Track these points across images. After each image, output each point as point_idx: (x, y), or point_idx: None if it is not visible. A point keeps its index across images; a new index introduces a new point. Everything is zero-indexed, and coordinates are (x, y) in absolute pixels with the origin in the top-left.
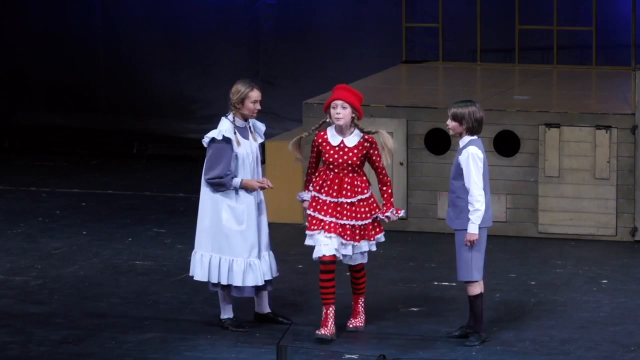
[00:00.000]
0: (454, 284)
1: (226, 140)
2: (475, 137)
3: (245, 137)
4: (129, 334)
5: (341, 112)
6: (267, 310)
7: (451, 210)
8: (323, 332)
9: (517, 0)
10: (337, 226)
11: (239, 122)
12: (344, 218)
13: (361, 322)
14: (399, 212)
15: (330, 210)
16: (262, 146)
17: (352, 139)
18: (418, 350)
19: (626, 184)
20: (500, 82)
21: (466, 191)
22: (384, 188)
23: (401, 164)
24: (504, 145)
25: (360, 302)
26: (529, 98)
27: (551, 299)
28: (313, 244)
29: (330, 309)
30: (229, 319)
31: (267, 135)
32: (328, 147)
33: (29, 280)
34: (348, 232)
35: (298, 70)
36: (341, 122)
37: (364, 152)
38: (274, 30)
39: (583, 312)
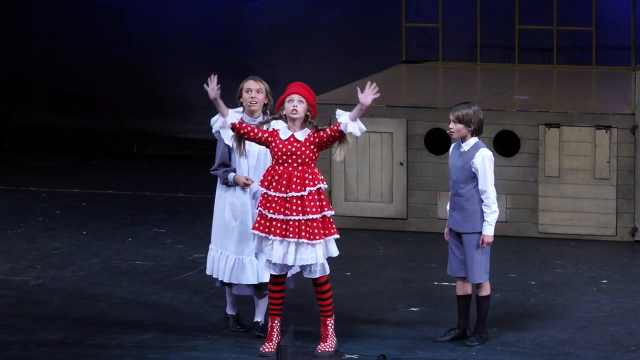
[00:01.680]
0: (454, 284)
1: (219, 132)
2: (478, 138)
3: None
4: (129, 334)
5: (298, 105)
6: (259, 318)
7: (458, 214)
8: (267, 349)
9: (517, 0)
10: (283, 225)
11: (247, 118)
12: (293, 214)
13: (331, 347)
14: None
15: (278, 207)
16: None
17: (302, 134)
18: (418, 350)
19: (626, 184)
20: (500, 82)
21: (477, 194)
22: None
23: (401, 164)
24: (504, 145)
25: (329, 324)
26: (529, 98)
27: (551, 299)
28: (261, 252)
29: (276, 321)
30: (230, 315)
31: None
32: (278, 141)
33: (29, 280)
34: (292, 229)
35: (298, 70)
36: (296, 116)
37: (315, 141)
38: (273, 30)
39: (583, 312)
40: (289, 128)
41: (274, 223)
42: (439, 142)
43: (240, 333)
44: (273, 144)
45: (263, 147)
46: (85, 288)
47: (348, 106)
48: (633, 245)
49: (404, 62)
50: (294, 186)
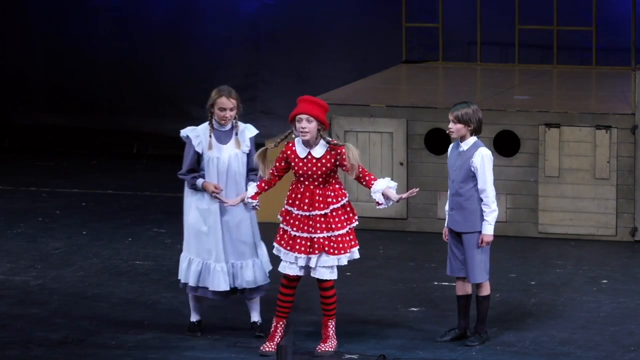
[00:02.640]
0: (454, 284)
1: (189, 138)
2: (477, 137)
3: (222, 142)
4: (129, 334)
5: (306, 126)
6: (256, 318)
7: (457, 213)
8: (267, 348)
9: (517, 0)
10: (307, 243)
11: (217, 125)
12: (317, 231)
13: (331, 347)
14: (412, 192)
15: (302, 225)
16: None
17: (319, 150)
18: (418, 350)
19: (626, 184)
20: (500, 82)
21: (476, 193)
22: (372, 181)
23: (401, 164)
24: (504, 145)
25: (331, 326)
26: (529, 98)
27: (551, 299)
28: (279, 256)
29: (281, 322)
30: (192, 322)
31: (266, 135)
32: (297, 160)
33: (29, 280)
34: (317, 245)
35: (298, 70)
36: (307, 137)
37: (332, 160)
38: (273, 30)
39: (583, 312)
40: (304, 144)
41: (298, 240)
42: (439, 142)
43: (239, 333)
44: (292, 163)
45: (233, 154)
46: (85, 288)
47: (348, 106)
48: (633, 245)
49: (404, 62)
50: (317, 204)
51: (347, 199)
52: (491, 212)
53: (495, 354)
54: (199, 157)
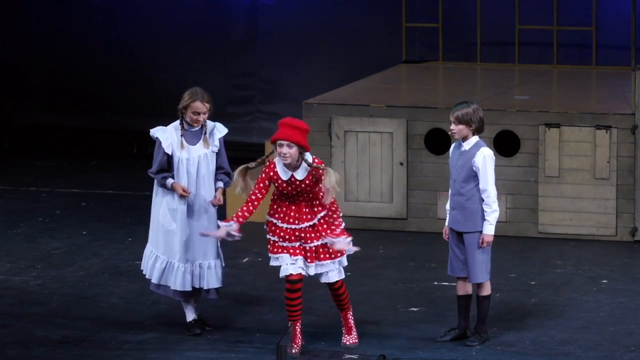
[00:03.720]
0: (454, 284)
1: (159, 139)
2: (479, 137)
3: (192, 143)
4: (129, 334)
5: (287, 151)
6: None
7: (459, 213)
8: (295, 351)
9: (517, 0)
10: (300, 248)
11: (187, 126)
12: (309, 241)
13: (355, 339)
14: (350, 246)
15: (291, 237)
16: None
17: (301, 173)
18: (418, 350)
19: (626, 184)
20: (500, 82)
21: (478, 193)
22: (331, 227)
23: (401, 164)
24: (504, 145)
25: (350, 317)
26: (529, 98)
27: (551, 299)
28: (279, 264)
29: (297, 324)
30: (189, 322)
31: (266, 136)
32: (280, 181)
33: (29, 280)
34: (310, 254)
35: (298, 70)
36: (288, 161)
37: (314, 180)
38: (273, 30)
39: (583, 312)
40: (286, 167)
41: (291, 250)
42: (439, 142)
43: (239, 334)
44: (276, 184)
45: (203, 154)
46: (85, 288)
47: (348, 106)
48: (633, 245)
49: (404, 62)
50: (304, 217)
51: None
52: (492, 212)
53: (495, 354)
54: (169, 157)
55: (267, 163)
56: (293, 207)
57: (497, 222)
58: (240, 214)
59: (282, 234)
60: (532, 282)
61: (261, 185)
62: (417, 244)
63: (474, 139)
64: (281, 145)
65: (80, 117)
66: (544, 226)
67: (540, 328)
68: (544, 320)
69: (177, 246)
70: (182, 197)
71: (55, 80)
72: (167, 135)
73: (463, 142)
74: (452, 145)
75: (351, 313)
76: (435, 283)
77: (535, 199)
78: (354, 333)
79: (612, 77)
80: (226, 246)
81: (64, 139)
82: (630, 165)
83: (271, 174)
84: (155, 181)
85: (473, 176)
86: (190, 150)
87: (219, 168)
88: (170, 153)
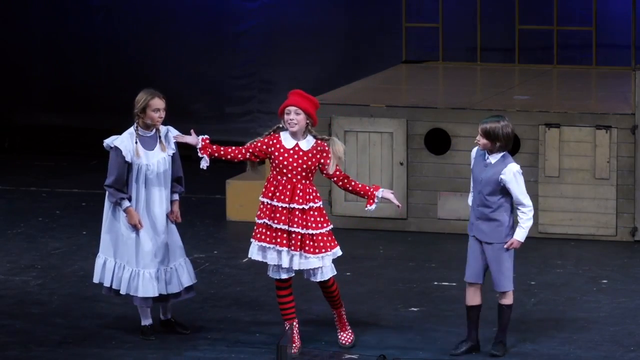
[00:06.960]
0: (454, 284)
1: (119, 149)
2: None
3: (149, 148)
4: (128, 334)
5: (295, 117)
6: (169, 316)
7: (483, 223)
8: (294, 351)
9: (517, 0)
10: (285, 235)
11: (142, 132)
12: (294, 225)
13: (351, 335)
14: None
15: (282, 217)
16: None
17: (307, 143)
18: (418, 350)
19: (626, 184)
20: (500, 82)
21: (505, 204)
22: (352, 183)
23: (401, 164)
24: None
25: (343, 314)
26: (529, 98)
27: (551, 299)
28: (261, 260)
29: (294, 323)
30: (144, 326)
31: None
32: (282, 150)
33: (29, 280)
34: (294, 242)
35: (297, 70)
36: (295, 129)
37: (318, 156)
38: (272, 30)
39: (583, 312)
40: (292, 136)
41: (279, 233)
42: (439, 142)
43: (239, 334)
44: (276, 153)
45: (161, 158)
46: (85, 288)
47: (348, 106)
48: (633, 245)
49: (404, 62)
50: (297, 198)
51: (321, 203)
52: (527, 220)
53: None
54: (128, 169)
55: (271, 134)
56: (288, 186)
57: None
58: (213, 146)
59: (270, 213)
60: (532, 282)
61: (258, 144)
62: (417, 244)
63: (500, 153)
64: (289, 112)
65: (80, 117)
66: (544, 226)
67: (540, 328)
68: (544, 320)
69: (142, 253)
70: (132, 224)
71: (55, 80)
72: (125, 144)
73: (489, 154)
74: (475, 150)
75: (344, 310)
76: (435, 283)
77: (535, 199)
78: (349, 329)
79: (612, 77)
80: (226, 246)
81: (64, 139)
82: (630, 165)
83: (274, 141)
84: (108, 195)
85: (499, 189)
86: (148, 156)
87: (175, 179)
88: (130, 161)
